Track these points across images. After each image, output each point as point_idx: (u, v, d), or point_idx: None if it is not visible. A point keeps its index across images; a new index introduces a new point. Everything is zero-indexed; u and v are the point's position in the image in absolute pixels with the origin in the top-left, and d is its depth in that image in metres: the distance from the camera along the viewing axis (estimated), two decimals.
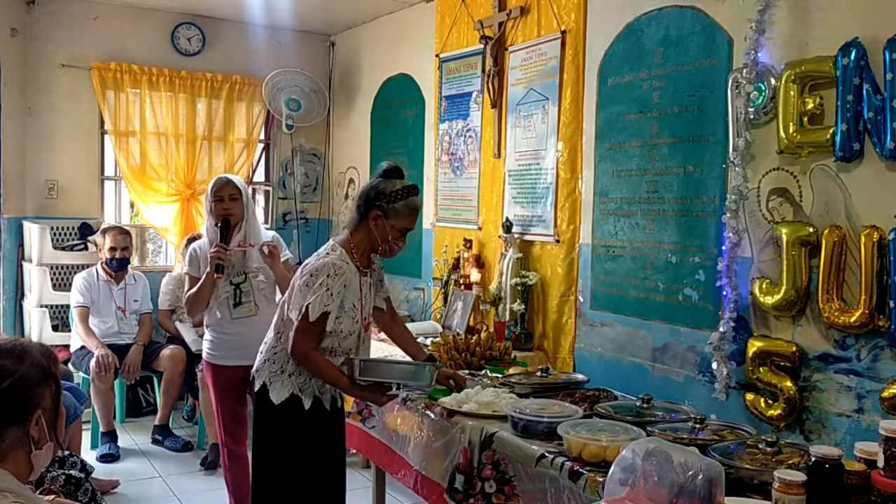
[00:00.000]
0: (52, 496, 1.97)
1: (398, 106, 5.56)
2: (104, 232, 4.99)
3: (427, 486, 2.97)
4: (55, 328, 5.25)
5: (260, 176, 6.45)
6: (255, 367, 2.82)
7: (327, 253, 2.70)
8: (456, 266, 4.65)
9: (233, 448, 3.55)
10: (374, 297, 2.93)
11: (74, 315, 4.88)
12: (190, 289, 3.43)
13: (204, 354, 3.57)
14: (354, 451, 3.52)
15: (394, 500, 4.02)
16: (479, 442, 2.71)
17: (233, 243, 3.41)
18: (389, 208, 2.67)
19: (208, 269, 3.34)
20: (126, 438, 4.95)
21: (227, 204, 3.40)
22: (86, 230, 5.46)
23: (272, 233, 3.74)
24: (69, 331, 5.07)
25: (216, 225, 3.40)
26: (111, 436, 4.72)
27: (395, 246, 2.74)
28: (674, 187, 3.41)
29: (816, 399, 2.83)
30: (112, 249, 4.87)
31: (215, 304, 3.45)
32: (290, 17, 5.89)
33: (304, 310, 2.58)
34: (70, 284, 4.98)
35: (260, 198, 6.55)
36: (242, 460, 3.53)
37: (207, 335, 3.54)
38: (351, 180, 6.19)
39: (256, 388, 2.77)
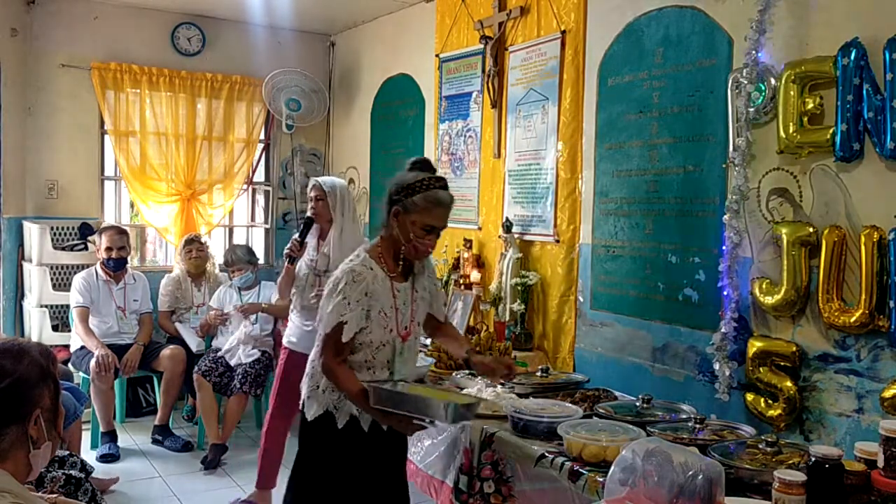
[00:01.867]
0: (55, 496, 1.97)
1: (398, 106, 5.56)
2: (101, 232, 4.98)
3: (434, 486, 2.97)
4: (55, 328, 5.25)
5: (260, 176, 6.45)
6: (305, 374, 2.68)
7: (350, 259, 2.54)
8: (456, 266, 4.64)
9: (277, 422, 3.85)
10: (427, 305, 2.70)
11: (74, 315, 4.88)
12: (282, 276, 3.85)
13: (284, 338, 3.90)
14: None
15: None
16: (479, 442, 2.71)
17: (326, 240, 3.72)
18: (408, 202, 2.46)
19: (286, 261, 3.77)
20: (126, 438, 4.95)
21: (314, 203, 3.73)
22: (86, 230, 5.46)
23: (364, 238, 3.80)
24: (69, 331, 5.07)
25: (303, 221, 3.78)
26: (111, 436, 4.72)
27: (419, 245, 2.49)
28: (674, 187, 3.41)
29: (816, 399, 2.82)
30: (108, 249, 4.87)
31: (296, 291, 3.76)
32: (290, 17, 5.89)
33: (323, 319, 2.46)
34: (70, 284, 4.98)
35: (260, 198, 6.55)
36: (282, 429, 3.87)
37: (290, 320, 3.86)
38: (351, 180, 6.19)
39: (299, 402, 2.65)
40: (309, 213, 3.74)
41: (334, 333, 2.43)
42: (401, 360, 2.57)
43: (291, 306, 3.82)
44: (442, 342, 2.96)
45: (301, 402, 2.62)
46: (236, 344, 4.85)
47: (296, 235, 3.74)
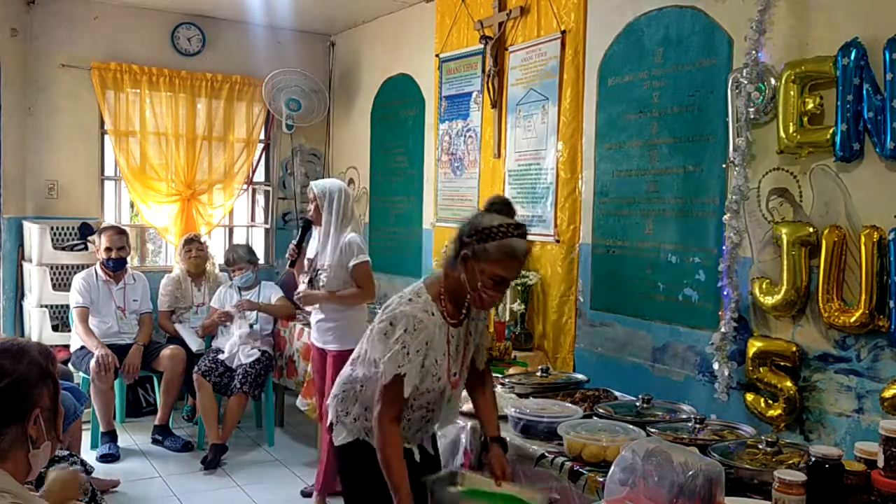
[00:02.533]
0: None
1: (398, 106, 5.56)
2: (100, 232, 4.98)
3: None
4: (55, 328, 5.25)
5: (260, 176, 6.45)
6: (330, 395, 2.48)
7: (410, 298, 2.26)
8: None
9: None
10: (473, 347, 2.44)
11: (74, 315, 4.88)
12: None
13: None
14: None
15: None
16: (479, 442, 2.71)
17: (312, 241, 3.87)
18: (480, 248, 2.16)
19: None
20: (126, 438, 4.94)
21: (310, 206, 3.83)
22: (86, 230, 5.46)
23: (352, 236, 3.78)
24: (69, 331, 5.06)
25: (302, 225, 3.90)
26: (111, 436, 4.72)
27: (485, 295, 2.20)
28: (674, 187, 3.41)
29: (816, 399, 2.82)
30: (108, 249, 4.87)
31: None
32: (290, 17, 5.88)
33: (378, 368, 2.21)
34: (70, 284, 4.98)
35: (260, 198, 6.55)
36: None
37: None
38: (351, 180, 6.19)
39: (328, 422, 2.47)
40: (305, 217, 3.88)
41: (393, 387, 2.17)
42: (448, 407, 2.40)
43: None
44: (474, 401, 2.57)
45: (329, 422, 2.45)
46: (237, 350, 4.84)
47: (293, 241, 3.88)
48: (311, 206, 3.81)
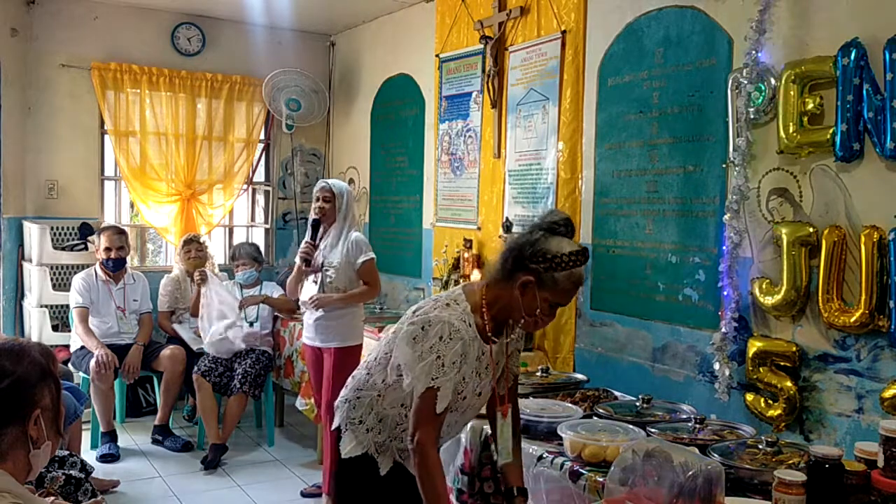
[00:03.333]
0: (52, 498, 1.97)
1: (398, 106, 5.56)
2: (100, 232, 4.98)
3: None
4: (55, 328, 5.25)
5: (260, 176, 6.45)
6: (337, 400, 2.29)
7: (447, 304, 2.08)
8: (456, 266, 4.64)
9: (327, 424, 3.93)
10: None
11: (74, 315, 4.88)
12: (292, 275, 4.01)
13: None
14: None
15: None
16: (479, 442, 2.71)
17: (323, 241, 3.86)
18: (548, 277, 2.01)
19: (297, 261, 3.88)
20: (126, 438, 4.95)
21: (321, 204, 3.84)
22: (86, 230, 5.46)
23: (358, 235, 3.94)
24: (69, 331, 5.06)
25: (311, 223, 3.87)
26: (111, 436, 4.72)
27: (540, 321, 2.07)
28: (674, 187, 3.41)
29: (816, 399, 2.82)
30: (107, 250, 4.87)
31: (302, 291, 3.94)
32: (290, 17, 5.89)
33: (402, 374, 2.05)
34: (70, 284, 4.98)
35: (260, 198, 6.55)
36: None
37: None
38: (351, 180, 6.19)
39: (333, 426, 2.27)
40: (315, 214, 3.84)
41: (426, 400, 1.99)
42: (502, 439, 2.24)
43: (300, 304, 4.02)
44: (495, 439, 2.33)
45: (336, 426, 2.25)
46: (224, 334, 4.82)
47: (307, 239, 3.86)
48: (325, 205, 3.82)
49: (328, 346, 3.85)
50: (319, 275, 3.84)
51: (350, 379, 2.29)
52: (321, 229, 3.87)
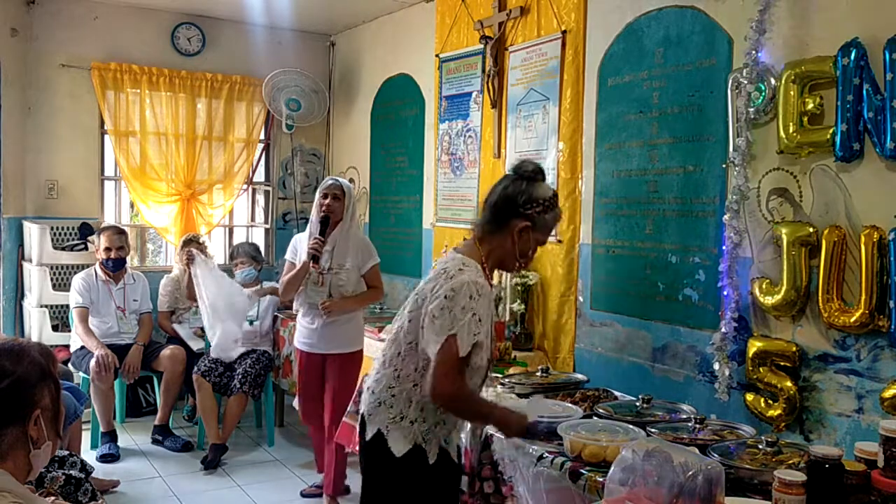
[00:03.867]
0: (52, 498, 1.97)
1: (398, 106, 5.56)
2: (99, 232, 4.98)
3: None
4: (55, 328, 5.25)
5: (260, 176, 6.45)
6: (364, 410, 2.31)
7: (460, 268, 2.18)
8: None
9: (315, 434, 4.02)
10: None
11: (74, 315, 4.88)
12: (287, 273, 3.84)
13: (294, 340, 4.00)
14: (349, 447, 3.56)
15: None
16: (479, 442, 2.71)
17: (329, 238, 3.75)
18: (541, 219, 2.22)
19: (305, 258, 3.73)
20: (126, 438, 4.95)
21: (330, 202, 3.76)
22: (86, 230, 5.46)
23: (366, 237, 3.99)
24: (69, 331, 5.06)
25: (318, 220, 3.77)
26: (111, 436, 4.72)
27: (528, 262, 2.31)
28: (674, 187, 3.41)
29: (816, 399, 2.82)
30: (107, 250, 4.87)
31: (303, 292, 3.81)
32: (290, 17, 5.89)
33: (446, 343, 2.09)
34: (70, 284, 4.98)
35: (260, 198, 6.55)
36: (315, 434, 4.03)
37: (297, 321, 3.96)
38: (351, 180, 6.19)
39: (368, 435, 2.26)
40: (322, 212, 3.75)
41: (468, 356, 2.11)
42: (486, 386, 2.41)
43: (295, 307, 3.90)
44: None
45: (369, 436, 2.26)
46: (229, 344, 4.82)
47: (316, 235, 3.76)
48: (334, 203, 3.75)
49: (334, 352, 3.80)
50: (326, 277, 3.75)
51: (372, 383, 2.30)
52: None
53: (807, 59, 2.82)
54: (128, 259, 5.12)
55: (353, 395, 3.81)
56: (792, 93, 2.83)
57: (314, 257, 3.70)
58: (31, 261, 5.24)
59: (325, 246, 3.72)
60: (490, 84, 4.45)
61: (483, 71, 4.57)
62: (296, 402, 4.47)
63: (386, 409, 2.23)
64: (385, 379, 2.26)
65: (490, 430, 2.48)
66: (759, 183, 3.02)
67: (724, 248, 3.04)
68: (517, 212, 2.21)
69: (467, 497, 2.70)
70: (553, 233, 2.42)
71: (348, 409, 3.79)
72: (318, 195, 3.82)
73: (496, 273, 2.73)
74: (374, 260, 3.87)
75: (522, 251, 2.24)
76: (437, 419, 2.23)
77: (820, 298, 2.74)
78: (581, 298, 3.90)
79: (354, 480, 3.87)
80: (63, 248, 5.36)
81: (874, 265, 2.58)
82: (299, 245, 3.88)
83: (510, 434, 2.33)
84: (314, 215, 3.82)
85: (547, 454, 2.47)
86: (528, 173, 2.27)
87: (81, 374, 4.84)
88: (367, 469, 2.32)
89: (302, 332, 3.90)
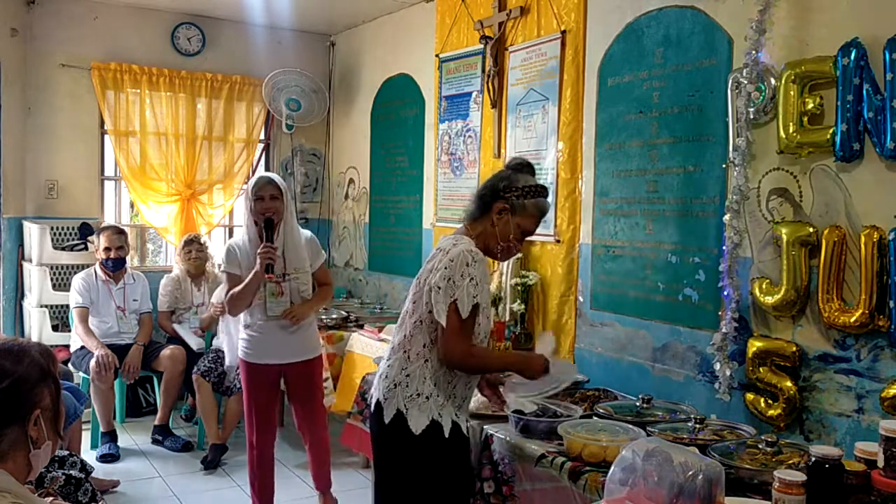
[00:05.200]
0: (51, 498, 1.97)
1: (398, 106, 5.56)
2: (99, 232, 4.99)
3: None
4: (55, 328, 5.25)
5: None
6: (379, 395, 2.42)
7: (454, 244, 2.39)
8: None
9: (263, 450, 3.68)
10: None
11: (74, 315, 4.88)
12: (231, 287, 3.46)
13: (239, 352, 3.63)
14: (356, 450, 3.56)
15: None
16: (479, 442, 2.71)
17: (277, 242, 3.44)
18: (518, 203, 2.42)
19: (256, 269, 3.37)
20: (126, 438, 4.95)
21: (269, 203, 3.43)
22: (86, 230, 5.46)
23: (308, 232, 3.77)
24: (69, 331, 5.07)
25: (257, 224, 3.45)
26: (111, 436, 4.72)
27: (512, 247, 2.48)
28: (674, 187, 3.41)
29: (816, 399, 2.82)
30: (107, 250, 4.87)
31: (256, 305, 3.50)
32: (290, 17, 5.89)
33: (451, 308, 2.28)
34: (70, 284, 4.98)
35: None
36: (269, 462, 3.72)
37: (243, 334, 3.60)
38: (351, 180, 6.19)
39: (387, 418, 2.36)
40: (264, 215, 3.43)
41: (471, 318, 2.30)
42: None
43: (245, 321, 3.56)
44: None
45: (388, 419, 2.36)
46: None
47: (265, 243, 3.40)
48: (273, 203, 3.43)
49: (306, 358, 3.62)
50: (285, 285, 3.48)
51: (385, 369, 2.44)
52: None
53: (807, 59, 2.82)
54: (128, 259, 5.12)
55: (355, 397, 3.81)
56: (792, 93, 2.83)
57: (269, 266, 3.35)
58: (31, 261, 5.24)
59: (276, 251, 3.40)
60: (490, 84, 4.45)
61: (483, 71, 4.57)
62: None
63: (402, 390, 2.37)
64: (398, 362, 2.41)
65: (514, 378, 2.57)
66: (759, 183, 3.02)
67: (724, 248, 3.04)
68: (496, 195, 2.44)
69: None
70: (548, 228, 2.59)
71: (351, 410, 3.80)
72: (250, 196, 3.47)
73: (494, 266, 2.88)
74: (322, 256, 3.68)
75: (503, 234, 2.43)
76: (449, 393, 2.39)
77: (820, 298, 2.74)
78: (581, 298, 3.90)
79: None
80: (63, 248, 5.36)
81: (874, 265, 2.58)
82: (239, 254, 3.50)
83: (532, 374, 2.46)
84: (248, 220, 3.51)
85: (547, 454, 2.47)
86: (514, 164, 2.53)
87: (81, 374, 4.85)
88: (386, 452, 2.43)
89: (255, 345, 3.54)
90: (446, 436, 2.34)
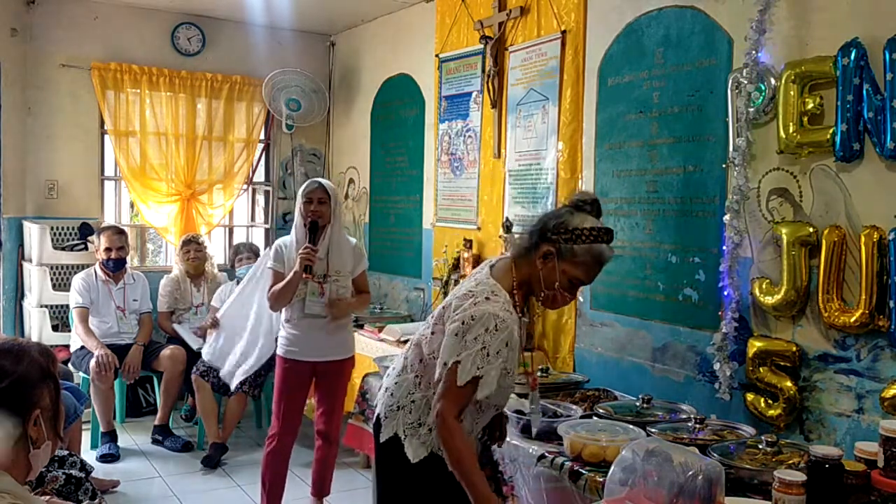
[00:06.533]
0: (48, 497, 1.97)
1: (398, 106, 5.56)
2: (99, 232, 4.99)
3: None
4: (55, 328, 5.25)
5: (260, 176, 6.45)
6: (380, 411, 2.28)
7: (487, 297, 2.11)
8: (456, 266, 4.64)
9: (284, 442, 3.68)
10: None
11: (74, 315, 4.88)
12: (274, 284, 3.58)
13: (277, 349, 3.72)
14: (358, 450, 3.57)
15: None
16: (479, 443, 2.70)
17: (321, 245, 3.55)
18: (567, 248, 2.11)
19: (296, 268, 3.48)
20: (126, 438, 4.95)
21: (316, 206, 3.54)
22: (86, 230, 5.46)
23: (354, 239, 3.84)
24: (69, 331, 5.07)
25: (305, 226, 3.55)
26: (111, 436, 4.72)
27: (559, 297, 2.16)
28: (674, 187, 3.41)
29: (816, 399, 2.82)
30: (107, 250, 4.88)
31: (295, 301, 3.59)
32: (290, 17, 5.89)
33: (450, 366, 2.05)
34: (70, 284, 4.98)
35: (260, 198, 6.55)
36: (286, 457, 3.72)
37: (282, 330, 3.69)
38: (351, 180, 6.19)
39: (383, 437, 2.22)
40: (308, 218, 3.55)
41: (466, 389, 2.04)
42: (534, 412, 2.54)
43: (286, 316, 3.65)
44: None
45: (383, 439, 2.23)
46: (235, 368, 4.69)
47: (307, 244, 3.52)
48: (321, 207, 3.55)
49: (341, 358, 3.71)
50: (326, 286, 3.58)
51: (392, 384, 2.27)
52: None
53: (807, 59, 2.82)
54: (128, 259, 5.12)
55: (356, 397, 3.82)
56: (792, 93, 2.83)
57: (307, 267, 3.47)
58: (31, 261, 5.24)
59: (317, 254, 3.51)
60: (490, 84, 4.45)
61: (483, 71, 4.57)
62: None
63: (405, 414, 2.20)
64: (405, 384, 2.23)
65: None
66: (759, 183, 3.02)
67: (724, 248, 3.04)
68: (545, 236, 2.15)
69: None
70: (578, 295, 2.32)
71: (353, 410, 3.80)
72: (300, 200, 3.59)
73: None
74: (364, 264, 3.79)
75: (547, 281, 2.14)
76: None
77: (820, 298, 2.74)
78: (581, 298, 3.89)
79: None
80: (63, 248, 5.36)
81: (874, 265, 2.58)
82: (285, 252, 3.63)
83: None
84: (298, 221, 3.62)
85: (547, 454, 2.48)
86: (574, 202, 2.22)
87: (81, 374, 4.85)
88: (382, 471, 2.30)
89: (292, 342, 3.64)
90: (449, 469, 2.12)
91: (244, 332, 4.69)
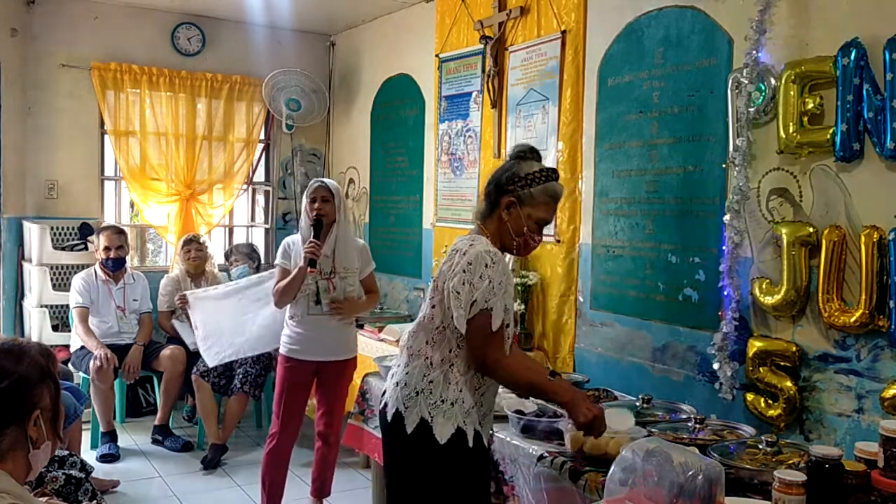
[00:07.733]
0: (48, 497, 1.97)
1: (398, 106, 5.56)
2: (99, 232, 4.99)
3: None
4: (55, 328, 5.25)
5: (260, 176, 6.45)
6: (399, 404, 2.29)
7: (471, 243, 2.26)
8: None
9: (284, 441, 3.69)
10: None
11: (74, 315, 4.88)
12: (280, 280, 3.64)
13: (281, 347, 3.74)
14: (358, 450, 3.57)
15: None
16: None
17: (326, 242, 3.61)
18: (525, 193, 2.28)
19: (301, 264, 3.55)
20: (126, 438, 4.95)
21: (320, 205, 3.60)
22: (86, 230, 5.46)
23: (362, 241, 3.89)
24: (69, 331, 5.07)
25: (310, 224, 3.61)
26: (111, 436, 4.72)
27: (530, 240, 2.33)
28: (674, 187, 3.41)
29: (816, 399, 2.82)
30: (106, 249, 4.88)
31: (300, 298, 3.63)
32: (290, 17, 5.89)
33: (479, 314, 2.16)
34: (70, 284, 4.98)
35: (260, 198, 6.55)
36: (286, 456, 3.73)
37: (286, 329, 3.72)
38: (351, 180, 6.19)
39: (409, 427, 2.24)
40: (313, 215, 3.60)
41: (483, 321, 2.18)
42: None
43: (290, 313, 3.69)
44: None
45: (410, 429, 2.25)
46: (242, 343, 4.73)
47: (312, 239, 3.56)
48: (325, 205, 3.60)
49: (345, 358, 3.73)
50: (335, 282, 3.63)
51: (403, 376, 2.31)
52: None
53: (807, 59, 2.82)
54: (128, 259, 5.12)
55: (356, 397, 3.81)
56: (792, 93, 2.83)
57: (311, 261, 3.53)
58: (31, 261, 5.24)
59: (322, 249, 3.57)
60: (490, 84, 4.45)
61: (483, 71, 4.57)
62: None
63: (426, 397, 2.24)
64: (418, 370, 2.28)
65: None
66: (759, 183, 3.02)
67: (724, 248, 3.04)
68: (502, 190, 2.31)
69: None
70: (548, 228, 2.46)
71: (352, 410, 3.80)
72: (305, 199, 3.67)
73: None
74: (372, 265, 3.83)
75: (516, 229, 2.30)
76: (476, 399, 2.28)
77: (820, 298, 2.74)
78: (581, 298, 3.90)
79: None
80: (63, 248, 5.36)
81: (874, 265, 2.58)
82: (292, 249, 3.70)
83: (577, 416, 2.22)
84: (304, 220, 3.67)
85: (547, 454, 2.48)
86: (517, 153, 2.38)
87: (81, 374, 4.85)
88: (408, 462, 2.29)
89: (295, 340, 3.67)
90: (470, 445, 2.22)
91: (237, 319, 4.72)
